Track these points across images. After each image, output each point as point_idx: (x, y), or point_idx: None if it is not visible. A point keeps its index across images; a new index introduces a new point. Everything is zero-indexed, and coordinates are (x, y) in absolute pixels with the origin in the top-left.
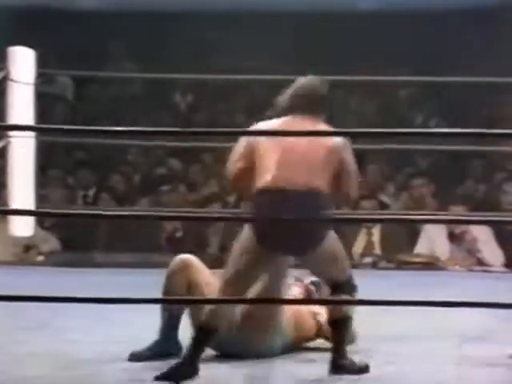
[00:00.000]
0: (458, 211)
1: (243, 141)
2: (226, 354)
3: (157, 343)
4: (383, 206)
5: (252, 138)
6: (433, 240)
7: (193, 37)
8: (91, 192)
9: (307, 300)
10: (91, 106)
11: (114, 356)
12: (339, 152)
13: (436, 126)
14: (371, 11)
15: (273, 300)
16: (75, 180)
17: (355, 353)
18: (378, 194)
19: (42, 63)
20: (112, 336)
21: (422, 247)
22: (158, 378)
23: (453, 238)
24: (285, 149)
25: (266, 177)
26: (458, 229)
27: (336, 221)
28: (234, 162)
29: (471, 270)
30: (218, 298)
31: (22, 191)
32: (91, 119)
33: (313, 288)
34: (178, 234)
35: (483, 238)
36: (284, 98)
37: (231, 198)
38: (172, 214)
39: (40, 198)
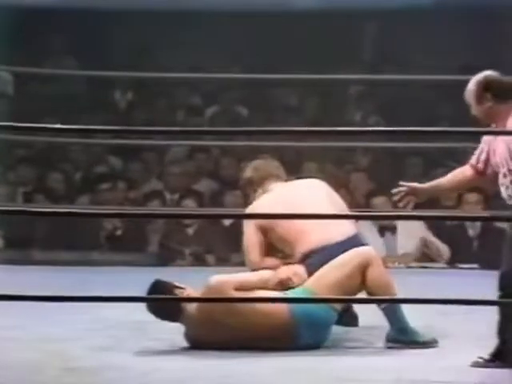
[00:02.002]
0: (382, 202)
1: None
2: None
3: None
4: None
5: None
6: (366, 236)
7: (135, 35)
8: (30, 189)
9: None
10: (31, 103)
11: (52, 354)
12: None
13: (375, 124)
14: (309, 10)
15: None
16: (15, 177)
17: None
18: None
19: None
20: (49, 334)
21: None
22: None
23: (383, 232)
24: None
25: None
26: (389, 223)
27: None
28: None
29: (410, 267)
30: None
31: None
32: (31, 116)
33: None
34: (118, 233)
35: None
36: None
37: (172, 196)
38: (116, 212)
39: None
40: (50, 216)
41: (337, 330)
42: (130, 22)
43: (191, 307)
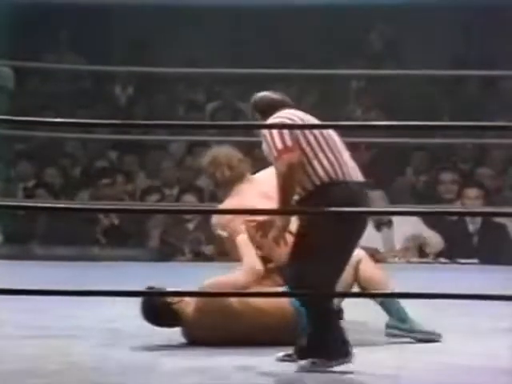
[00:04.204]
0: (378, 197)
1: None
2: None
3: None
4: None
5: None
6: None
7: (136, 30)
8: (31, 184)
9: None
10: (32, 98)
11: (52, 349)
12: None
13: (375, 119)
14: (310, 6)
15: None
16: (16, 172)
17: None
18: None
19: None
20: (49, 329)
21: None
22: None
23: (380, 227)
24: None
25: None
26: (385, 218)
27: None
28: None
29: (410, 262)
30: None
31: None
32: (32, 111)
33: None
34: (118, 227)
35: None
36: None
37: (171, 191)
38: (117, 207)
39: None
40: (48, 211)
41: None
42: (130, 17)
43: (189, 311)
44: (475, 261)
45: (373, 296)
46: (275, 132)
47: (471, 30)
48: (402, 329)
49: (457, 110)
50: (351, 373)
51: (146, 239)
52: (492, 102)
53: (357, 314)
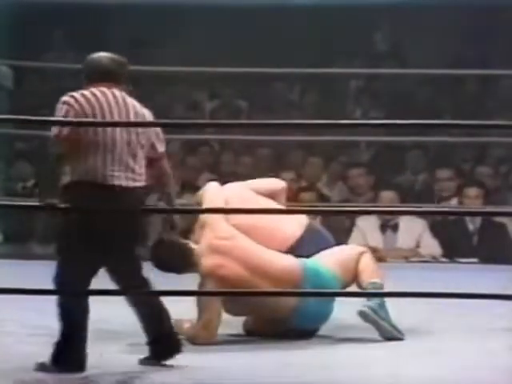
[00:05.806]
0: (390, 198)
1: None
2: None
3: None
4: (323, 197)
5: None
6: (365, 232)
7: (135, 29)
8: (30, 184)
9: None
10: (31, 97)
11: (50, 347)
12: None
13: (375, 119)
14: (309, 5)
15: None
16: (15, 171)
17: None
18: (316, 185)
19: None
20: (48, 328)
21: (354, 239)
22: None
23: (385, 229)
24: None
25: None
26: (392, 221)
27: (280, 212)
28: None
29: (409, 262)
30: None
31: None
32: (31, 110)
33: None
34: None
35: (419, 229)
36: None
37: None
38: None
39: None
40: (48, 211)
41: (332, 320)
42: (130, 16)
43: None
44: (475, 260)
45: (372, 295)
46: (61, 114)
47: (471, 29)
48: (378, 314)
49: (457, 109)
50: (350, 372)
51: (145, 239)
52: (492, 101)
53: (354, 312)
